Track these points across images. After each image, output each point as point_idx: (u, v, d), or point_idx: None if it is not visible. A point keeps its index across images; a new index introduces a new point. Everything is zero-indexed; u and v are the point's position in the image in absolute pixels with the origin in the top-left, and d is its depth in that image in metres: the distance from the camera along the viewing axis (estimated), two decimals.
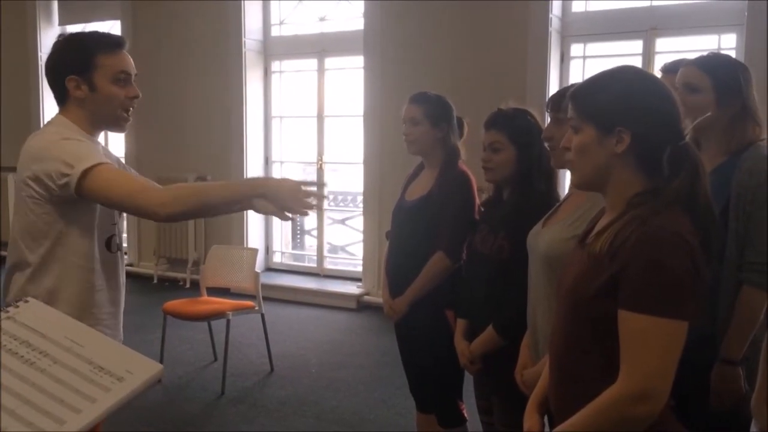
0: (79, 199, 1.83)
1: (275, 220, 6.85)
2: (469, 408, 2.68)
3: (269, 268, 6.82)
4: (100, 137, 2.09)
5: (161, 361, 4.24)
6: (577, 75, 5.28)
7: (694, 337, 1.31)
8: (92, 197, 1.83)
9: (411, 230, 2.70)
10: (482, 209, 2.52)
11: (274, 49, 6.72)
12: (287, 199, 1.82)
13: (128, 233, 7.20)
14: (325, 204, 6.55)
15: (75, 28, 7.37)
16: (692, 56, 2.14)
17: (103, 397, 0.96)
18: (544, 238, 1.93)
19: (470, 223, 2.54)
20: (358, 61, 6.08)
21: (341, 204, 7.19)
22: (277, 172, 6.87)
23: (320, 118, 6.56)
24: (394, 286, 2.74)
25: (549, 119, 2.06)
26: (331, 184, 6.87)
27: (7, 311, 1.11)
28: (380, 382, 4.25)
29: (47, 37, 7.52)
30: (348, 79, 6.43)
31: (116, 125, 2.01)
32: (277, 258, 6.94)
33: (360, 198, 6.33)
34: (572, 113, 1.43)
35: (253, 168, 6.60)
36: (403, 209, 2.77)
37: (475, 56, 5.45)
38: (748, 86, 2.07)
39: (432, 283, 2.61)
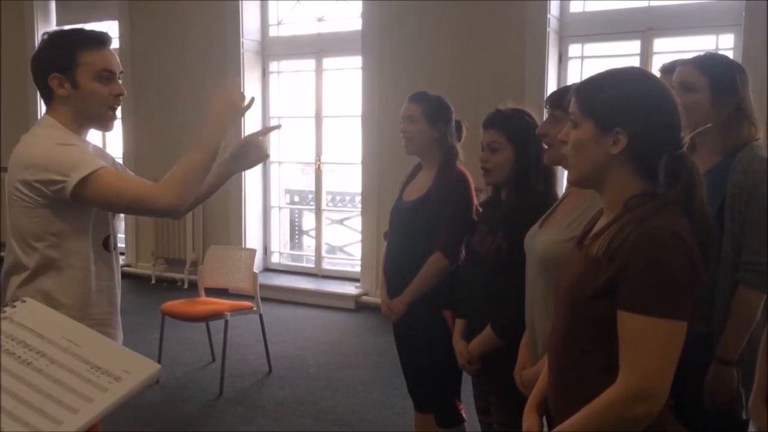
0: (75, 202, 1.82)
1: (274, 221, 6.87)
2: (467, 408, 2.68)
3: (267, 269, 6.82)
4: (97, 136, 2.09)
5: (159, 362, 4.21)
6: (575, 75, 5.28)
7: (691, 337, 1.31)
8: (92, 203, 1.83)
9: (409, 231, 2.70)
10: (481, 210, 2.52)
11: (272, 49, 6.72)
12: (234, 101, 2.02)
13: (126, 234, 7.20)
14: (323, 204, 6.56)
15: (64, 28, 7.35)
16: (690, 56, 2.14)
17: (101, 397, 0.96)
18: (541, 240, 1.93)
19: (468, 223, 2.54)
20: (356, 61, 6.08)
21: (339, 204, 7.19)
22: (275, 173, 6.87)
23: (318, 118, 6.55)
24: (392, 286, 2.74)
25: (546, 115, 2.06)
26: (330, 185, 6.86)
27: (5, 311, 1.11)
28: (378, 383, 4.25)
29: (46, 32, 7.50)
30: (346, 79, 6.43)
31: (102, 124, 1.99)
32: (275, 258, 6.93)
33: (358, 198, 6.33)
34: (574, 108, 1.43)
35: (251, 168, 6.59)
36: (401, 210, 2.77)
37: (474, 56, 5.45)
38: (745, 86, 2.07)
39: (430, 284, 2.61)
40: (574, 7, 5.36)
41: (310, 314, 5.85)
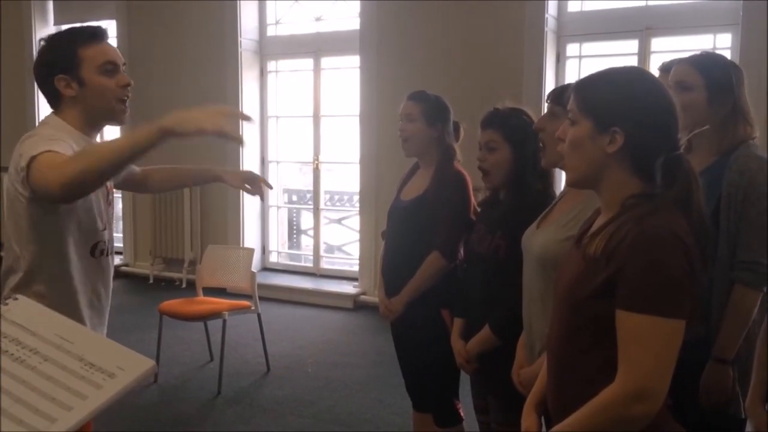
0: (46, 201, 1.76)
1: (272, 220, 6.87)
2: (465, 407, 2.68)
3: (265, 268, 6.81)
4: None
5: (157, 361, 4.23)
6: (573, 75, 5.29)
7: (689, 337, 1.31)
8: (36, 191, 1.72)
9: (407, 230, 2.70)
10: (479, 209, 2.52)
11: (270, 48, 6.72)
12: (198, 119, 1.61)
13: (124, 233, 7.20)
14: (322, 203, 6.55)
15: (61, 30, 7.34)
16: (686, 55, 2.14)
17: (95, 394, 0.95)
18: (538, 240, 1.93)
19: (466, 222, 2.54)
20: (354, 60, 6.08)
21: (337, 204, 7.19)
22: (273, 172, 6.86)
23: (316, 117, 6.55)
24: (390, 285, 2.74)
25: (545, 110, 2.06)
26: (328, 184, 6.86)
27: None
28: (377, 382, 4.25)
29: (43, 37, 7.50)
30: (344, 78, 6.43)
31: (114, 117, 1.97)
32: (273, 258, 6.93)
33: (356, 198, 6.33)
34: (572, 105, 1.43)
35: (250, 168, 6.58)
36: (398, 209, 2.77)
37: (471, 56, 5.45)
38: (740, 86, 2.07)
39: (428, 283, 2.61)
40: (572, 7, 5.36)
41: (308, 313, 5.85)
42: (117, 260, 6.28)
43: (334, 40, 6.34)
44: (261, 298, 4.64)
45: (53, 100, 1.93)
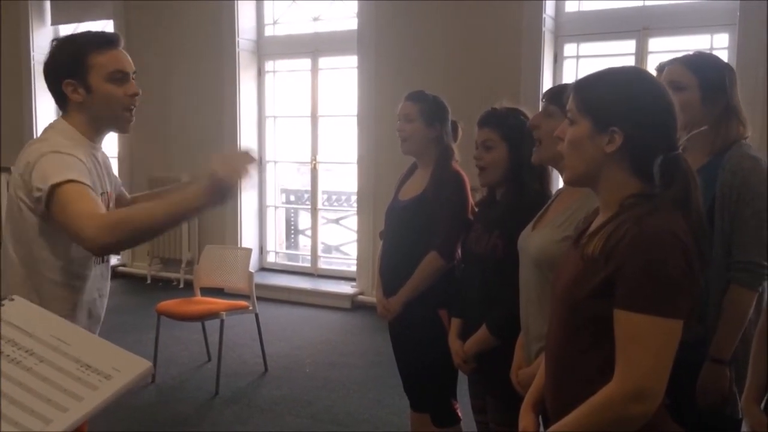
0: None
1: (269, 220, 6.87)
2: (463, 407, 2.68)
3: (263, 268, 6.81)
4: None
5: (155, 362, 4.23)
6: (571, 75, 5.29)
7: (687, 337, 1.31)
8: (53, 217, 1.73)
9: (405, 230, 2.70)
10: (476, 209, 2.52)
11: (267, 48, 6.71)
12: (236, 175, 1.67)
13: None
14: (319, 203, 6.55)
15: (67, 27, 7.35)
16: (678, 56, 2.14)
17: (91, 395, 0.95)
18: (535, 241, 1.93)
19: (464, 222, 2.54)
20: (352, 60, 6.07)
21: (335, 204, 7.19)
22: (271, 172, 6.86)
23: (314, 117, 6.55)
24: (388, 285, 2.74)
25: (541, 108, 2.06)
26: (325, 184, 6.86)
27: None
28: (374, 382, 4.25)
29: (40, 37, 7.50)
30: (342, 78, 6.43)
31: (118, 126, 1.97)
32: (271, 258, 6.93)
33: (354, 198, 6.33)
34: (571, 105, 1.43)
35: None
36: (396, 209, 2.77)
37: (469, 56, 5.45)
38: (733, 86, 2.07)
39: (425, 283, 2.60)
40: (570, 7, 5.37)
41: (306, 314, 5.85)
42: (114, 260, 6.29)
43: (332, 40, 6.33)
44: (259, 299, 4.64)
45: (61, 102, 1.93)
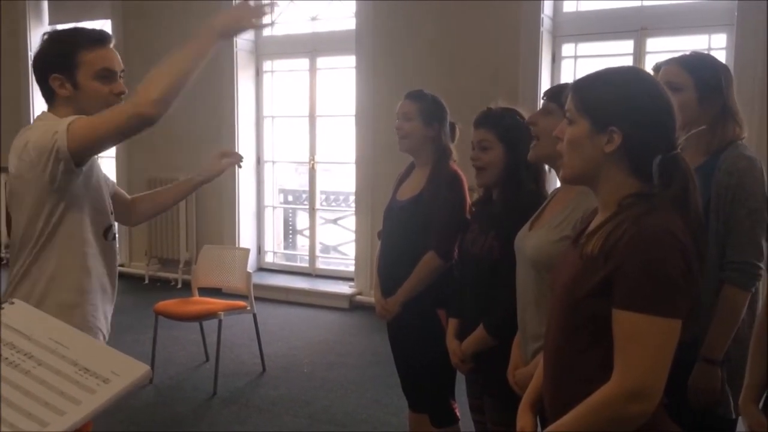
0: (77, 174, 1.81)
1: (267, 220, 6.86)
2: (461, 407, 2.68)
3: (261, 268, 6.81)
4: None
5: (152, 362, 4.23)
6: (569, 75, 5.29)
7: (685, 337, 1.32)
8: (83, 148, 1.79)
9: (402, 230, 2.70)
10: (473, 209, 2.52)
11: (265, 48, 6.71)
12: (244, 17, 1.93)
13: (119, 233, 7.16)
14: (317, 203, 6.55)
15: (65, 27, 7.32)
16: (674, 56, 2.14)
17: (89, 399, 0.95)
18: (531, 242, 1.93)
19: (462, 222, 2.54)
20: (350, 60, 6.07)
21: (333, 204, 7.19)
22: (269, 172, 6.86)
23: (312, 117, 6.55)
24: (386, 285, 2.74)
25: (540, 107, 2.07)
26: (324, 184, 6.86)
27: None
28: (372, 382, 4.25)
29: (37, 37, 7.45)
30: (340, 78, 6.43)
31: None
32: (269, 258, 6.93)
33: (352, 198, 6.33)
34: (570, 105, 1.44)
35: (245, 168, 6.58)
36: (394, 209, 2.77)
37: (467, 56, 5.45)
38: (729, 86, 2.07)
39: (424, 283, 2.61)
40: (568, 7, 5.37)
41: (304, 314, 5.85)
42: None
43: (330, 40, 6.33)
44: (257, 299, 4.64)
45: (47, 96, 1.95)
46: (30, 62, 7.40)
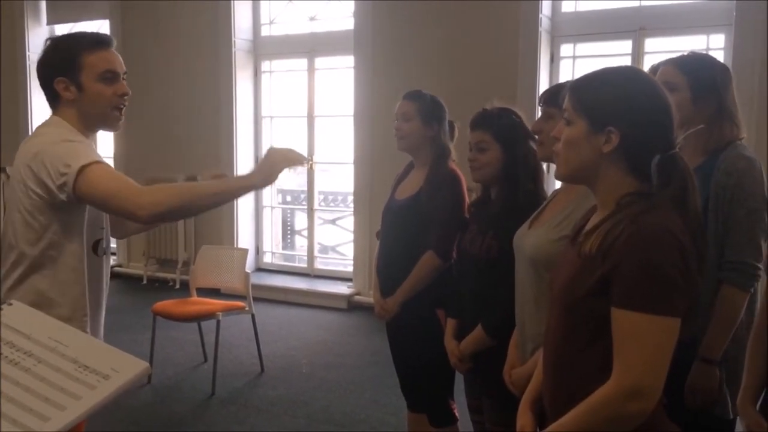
0: (75, 202, 1.82)
1: (266, 220, 6.86)
2: (460, 407, 2.68)
3: (259, 269, 6.80)
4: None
5: (151, 362, 4.22)
6: (567, 75, 5.30)
7: (684, 336, 1.32)
8: (85, 197, 1.81)
9: (401, 230, 2.70)
10: (472, 209, 2.52)
11: (264, 48, 6.71)
12: (283, 162, 1.94)
13: None
14: (316, 204, 6.56)
15: (63, 27, 7.33)
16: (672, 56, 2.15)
17: (89, 395, 0.95)
18: (530, 240, 1.93)
19: (460, 222, 2.54)
20: (349, 60, 6.08)
21: (332, 204, 7.19)
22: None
23: (310, 118, 6.55)
24: (385, 285, 2.74)
25: (540, 113, 2.07)
26: (322, 185, 6.86)
27: None
28: (371, 382, 4.24)
29: (35, 37, 7.48)
30: (338, 78, 6.43)
31: (108, 124, 2.01)
32: (267, 258, 6.92)
33: (350, 198, 6.33)
34: (568, 105, 1.43)
35: (243, 168, 6.58)
36: (392, 209, 2.77)
37: (466, 56, 5.45)
38: (726, 86, 2.07)
39: (422, 283, 2.61)
40: (566, 7, 5.37)
41: (302, 314, 5.84)
42: (111, 260, 6.26)
43: (329, 40, 6.33)
44: (255, 299, 4.63)
45: (52, 100, 1.97)
46: (28, 62, 7.44)
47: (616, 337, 1.30)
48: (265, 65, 6.78)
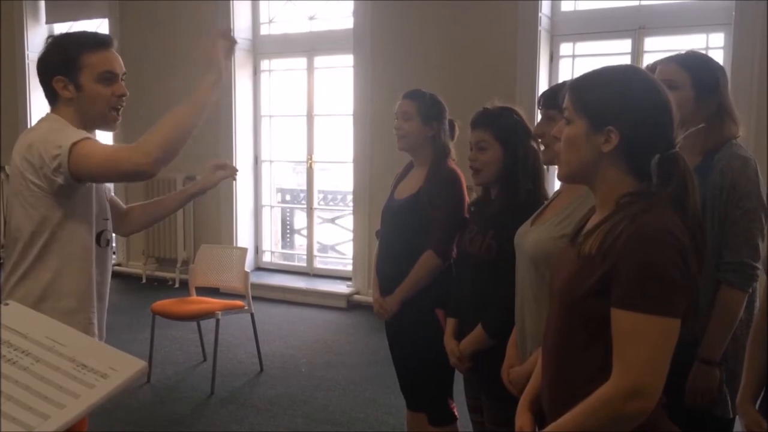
0: (76, 186, 1.84)
1: (265, 220, 6.86)
2: (459, 406, 2.68)
3: (259, 268, 6.80)
4: None
5: (150, 361, 4.23)
6: (566, 74, 5.30)
7: (684, 336, 1.31)
8: (82, 172, 1.81)
9: (401, 229, 2.70)
10: (472, 209, 2.52)
11: (263, 47, 6.70)
12: (212, 49, 2.03)
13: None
14: (315, 203, 6.55)
15: (62, 26, 7.33)
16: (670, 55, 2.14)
17: (87, 393, 0.96)
18: (532, 238, 1.93)
19: (460, 221, 2.54)
20: (348, 59, 6.07)
21: (331, 203, 7.19)
22: (266, 172, 6.85)
23: (310, 117, 6.55)
24: (385, 285, 2.74)
25: (540, 116, 2.06)
26: (321, 184, 6.86)
27: None
28: (370, 381, 4.25)
29: (34, 36, 7.48)
30: (337, 77, 6.42)
31: (106, 124, 2.02)
32: (266, 257, 6.92)
33: (350, 197, 6.33)
34: (567, 104, 1.43)
35: (243, 167, 6.58)
36: (392, 208, 2.77)
37: (465, 55, 5.45)
38: (725, 86, 2.07)
39: (422, 282, 2.60)
40: (566, 6, 5.37)
41: (301, 313, 5.84)
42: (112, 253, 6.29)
43: (328, 39, 6.33)
44: (254, 298, 4.63)
45: (50, 97, 1.98)
46: (27, 61, 7.43)
47: (616, 338, 1.30)
48: (264, 64, 6.77)
